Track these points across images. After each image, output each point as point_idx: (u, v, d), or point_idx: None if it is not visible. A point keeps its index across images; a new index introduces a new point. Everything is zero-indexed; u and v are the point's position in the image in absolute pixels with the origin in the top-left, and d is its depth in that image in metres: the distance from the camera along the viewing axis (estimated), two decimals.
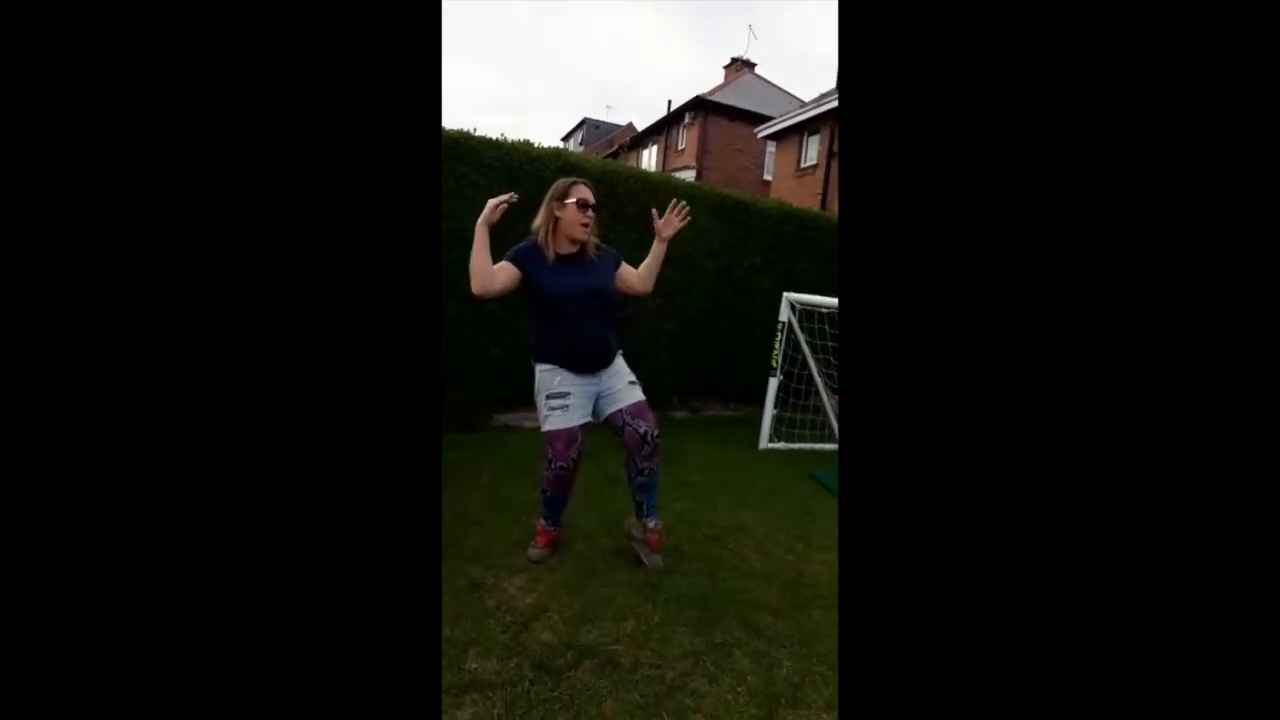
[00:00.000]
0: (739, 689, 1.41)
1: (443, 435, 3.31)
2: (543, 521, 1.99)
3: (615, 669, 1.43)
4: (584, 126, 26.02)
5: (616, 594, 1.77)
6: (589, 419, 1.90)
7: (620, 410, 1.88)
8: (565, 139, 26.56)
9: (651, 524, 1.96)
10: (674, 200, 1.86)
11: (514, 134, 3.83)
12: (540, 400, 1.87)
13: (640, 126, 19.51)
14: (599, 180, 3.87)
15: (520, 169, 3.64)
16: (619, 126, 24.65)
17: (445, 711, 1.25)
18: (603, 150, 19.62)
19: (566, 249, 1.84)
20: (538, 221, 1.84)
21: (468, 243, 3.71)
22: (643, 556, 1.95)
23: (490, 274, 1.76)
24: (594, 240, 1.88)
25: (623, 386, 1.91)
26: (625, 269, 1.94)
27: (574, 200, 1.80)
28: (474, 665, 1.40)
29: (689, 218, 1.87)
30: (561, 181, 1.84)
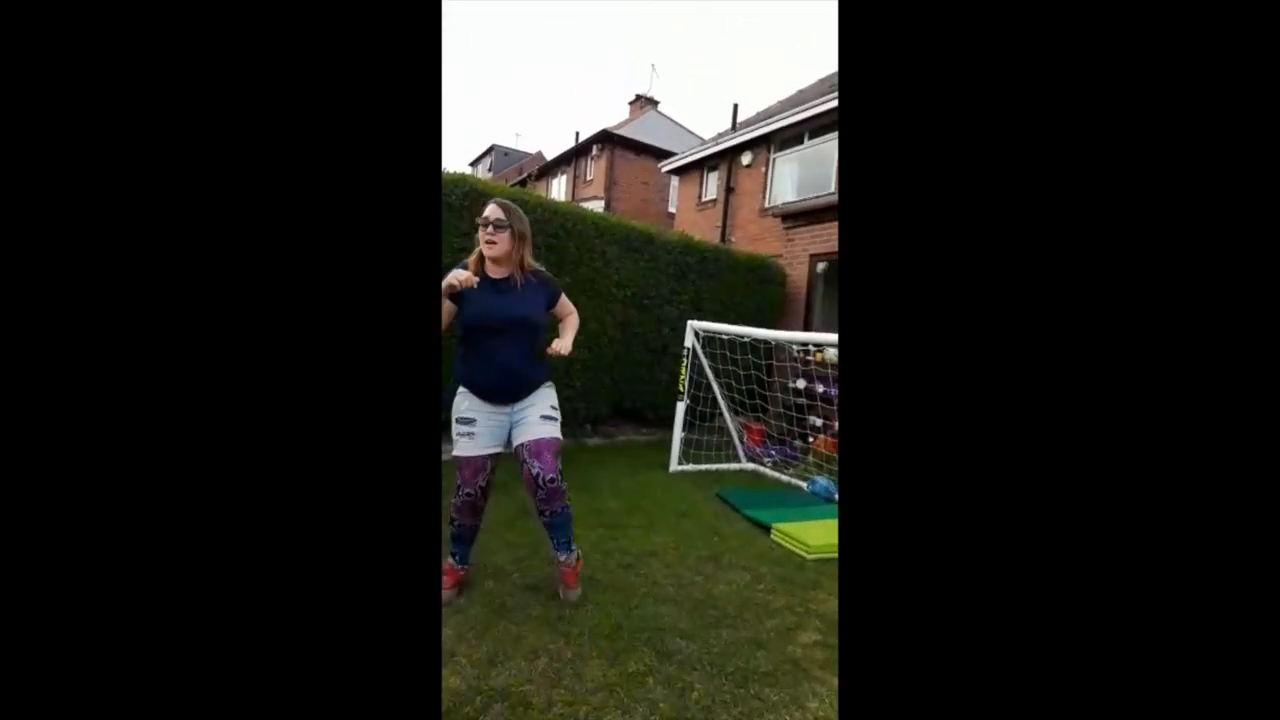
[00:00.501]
0: (652, 716, 1.42)
1: None
2: (450, 560, 1.91)
3: (527, 710, 1.40)
4: (493, 153, 25.76)
5: (528, 631, 1.73)
6: (498, 448, 1.85)
7: (523, 445, 1.81)
8: (474, 164, 26.11)
9: (562, 557, 1.92)
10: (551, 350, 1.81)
11: None
12: (452, 424, 1.82)
13: (549, 156, 19.65)
14: None
15: None
16: (528, 154, 24.65)
17: None
18: (512, 178, 19.51)
19: (494, 272, 1.80)
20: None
21: None
22: (559, 590, 1.92)
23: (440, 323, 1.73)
24: (528, 264, 1.83)
25: (534, 420, 1.83)
26: (561, 304, 1.92)
27: (480, 219, 1.79)
28: None
29: (561, 352, 1.82)
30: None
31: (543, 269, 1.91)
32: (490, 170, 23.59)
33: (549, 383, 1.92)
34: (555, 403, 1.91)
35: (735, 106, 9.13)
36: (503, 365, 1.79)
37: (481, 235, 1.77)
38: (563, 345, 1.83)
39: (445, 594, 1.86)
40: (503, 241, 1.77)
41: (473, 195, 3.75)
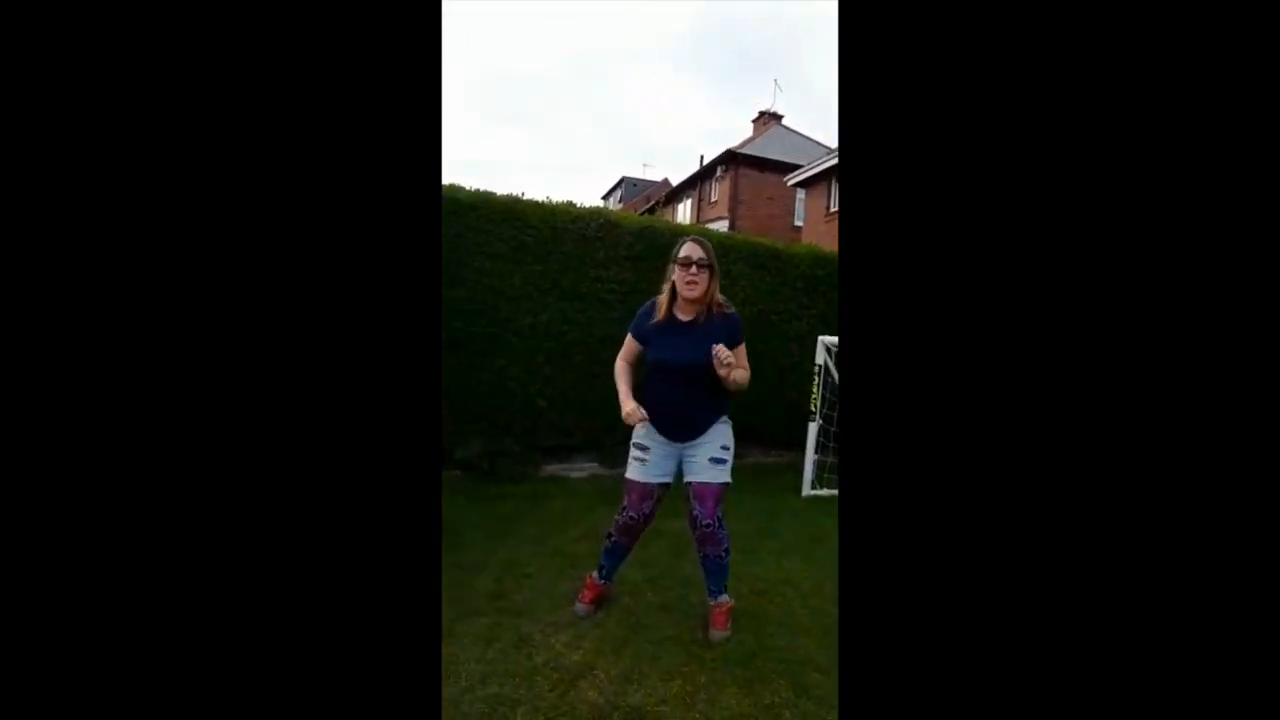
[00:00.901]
0: None
1: (494, 485, 3.40)
2: (594, 575, 1.99)
3: None
4: (622, 184, 27.06)
5: (662, 651, 1.76)
6: (667, 479, 1.87)
7: (691, 483, 1.83)
8: (605, 197, 27.63)
9: (712, 602, 1.89)
10: (717, 360, 1.70)
11: (556, 195, 4.09)
12: (631, 445, 1.91)
13: (675, 181, 20.15)
14: (639, 236, 4.06)
15: (564, 228, 3.85)
16: (655, 183, 25.52)
17: None
18: (640, 206, 20.30)
19: (686, 312, 1.81)
20: (666, 283, 1.85)
21: (516, 299, 3.84)
22: (707, 629, 1.87)
23: (628, 373, 1.91)
24: (718, 300, 1.81)
25: (703, 461, 1.82)
26: (737, 353, 1.77)
27: (680, 258, 1.78)
28: None
29: (726, 363, 1.69)
30: (679, 242, 1.85)
31: (730, 306, 1.86)
32: (620, 201, 24.75)
33: (725, 419, 1.91)
34: (728, 442, 1.88)
35: None
36: (678, 405, 1.82)
37: (682, 275, 1.76)
38: (732, 369, 1.70)
39: (584, 608, 1.95)
40: (703, 282, 1.76)
41: (607, 226, 3.97)
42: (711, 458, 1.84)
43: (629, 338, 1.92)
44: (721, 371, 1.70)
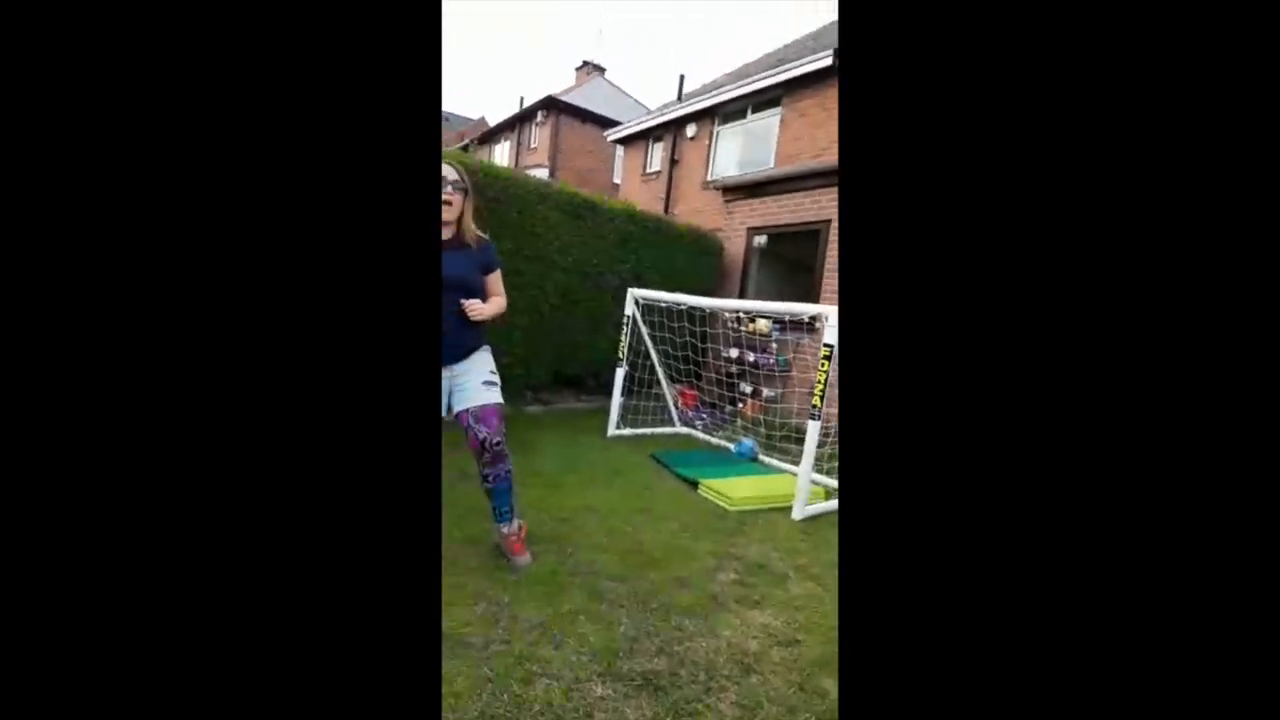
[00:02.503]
0: (582, 650, 1.55)
1: None
2: None
3: (467, 649, 1.50)
4: None
5: (468, 580, 1.82)
6: (442, 415, 1.88)
7: (466, 410, 1.86)
8: None
9: (505, 529, 1.96)
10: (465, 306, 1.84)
11: None
12: None
13: (492, 122, 18.92)
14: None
15: None
16: (471, 120, 23.67)
17: None
18: (453, 143, 18.71)
19: (445, 234, 1.84)
20: None
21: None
22: (509, 561, 1.95)
23: None
24: (473, 230, 1.87)
25: (474, 385, 1.88)
26: (494, 279, 1.93)
27: None
28: None
29: (477, 310, 1.84)
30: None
31: (486, 237, 1.94)
32: None
33: (486, 347, 1.95)
34: (494, 367, 1.95)
35: (681, 78, 9.14)
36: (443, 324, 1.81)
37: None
38: (477, 308, 1.83)
39: None
40: (456, 202, 1.82)
41: None
42: (484, 381, 1.91)
43: None
44: (477, 315, 1.82)
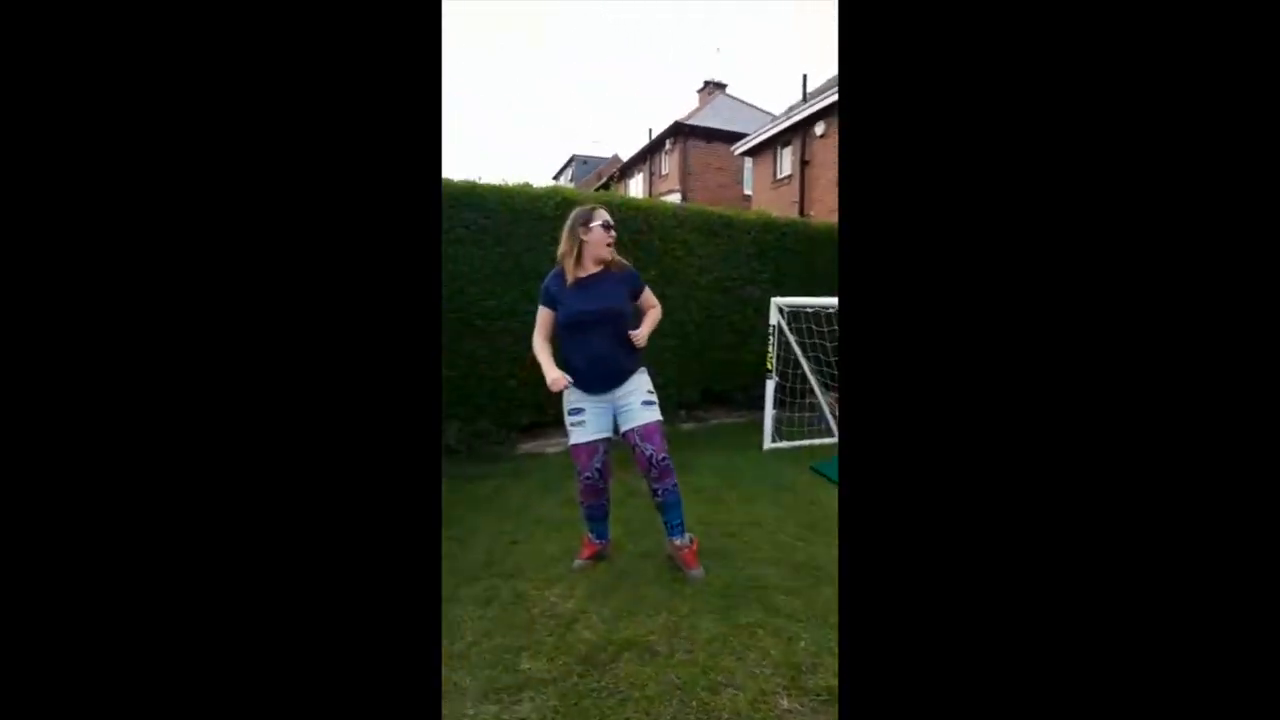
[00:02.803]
0: (764, 663, 1.57)
1: (473, 466, 3.51)
2: (588, 535, 2.17)
3: (653, 657, 1.60)
4: (573, 163, 26.66)
5: (647, 592, 1.94)
6: (608, 434, 2.05)
7: (632, 429, 2.01)
8: (557, 176, 27.15)
9: (678, 541, 2.07)
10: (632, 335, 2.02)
11: (511, 177, 4.13)
12: (565, 414, 2.07)
13: (625, 157, 20.01)
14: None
15: (523, 209, 3.90)
16: (605, 159, 25.23)
17: (506, 708, 1.42)
18: (592, 183, 20.11)
19: (590, 270, 2.02)
20: (562, 249, 2.02)
21: (480, 281, 3.89)
22: (683, 572, 2.05)
23: (547, 347, 2.06)
24: (617, 260, 2.05)
25: (636, 405, 2.02)
26: (645, 296, 2.12)
27: (599, 223, 2.00)
28: (527, 666, 1.57)
29: (642, 336, 2.04)
30: (580, 210, 2.04)
31: (627, 263, 2.11)
32: (573, 180, 24.39)
33: (643, 369, 2.09)
34: (651, 387, 2.09)
35: (805, 77, 8.90)
36: (597, 353, 1.99)
37: (604, 238, 2.00)
38: (638, 335, 2.01)
39: (582, 563, 2.13)
40: (614, 242, 2.04)
41: (564, 204, 4.05)
42: (643, 401, 2.03)
43: (541, 310, 2.06)
44: (640, 342, 2.00)
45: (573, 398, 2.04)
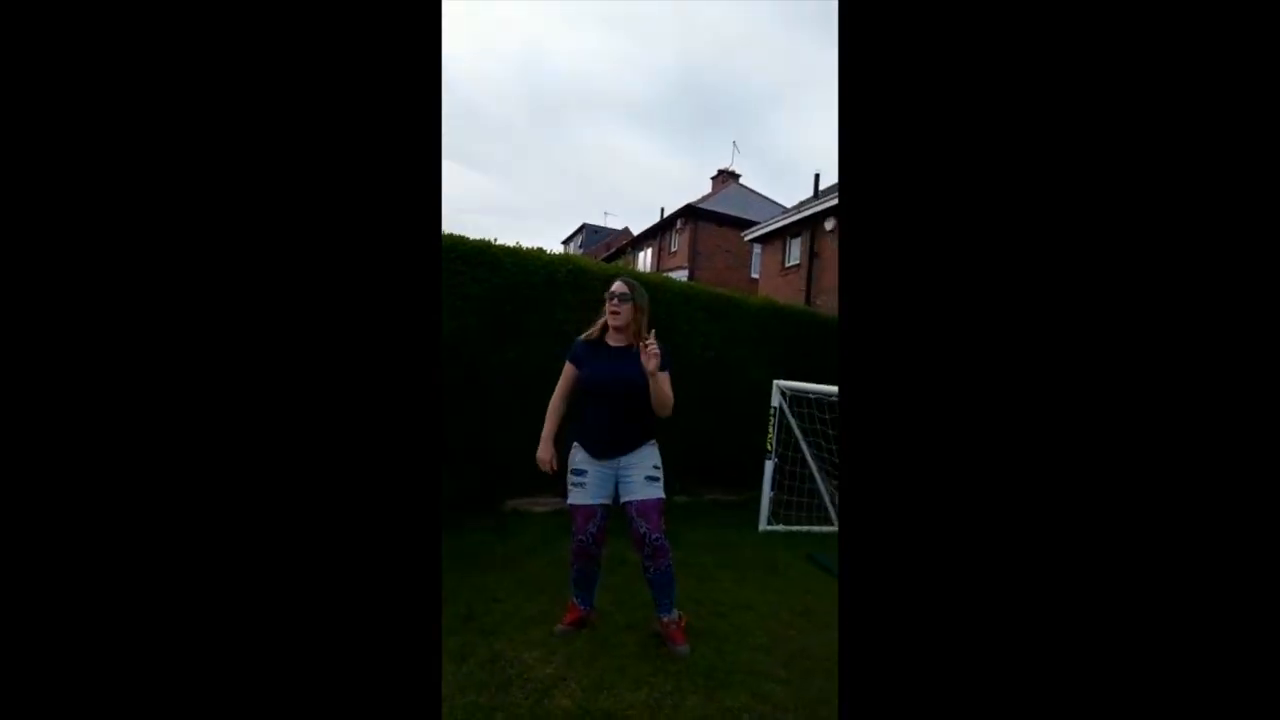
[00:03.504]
0: None
1: (459, 519, 3.43)
2: (574, 599, 2.10)
3: None
4: (583, 231, 27.75)
5: (629, 664, 1.86)
6: (607, 501, 2.03)
7: (631, 503, 1.99)
8: (566, 242, 28.17)
9: (665, 618, 2.02)
10: (642, 343, 1.91)
11: (517, 238, 4.30)
12: (569, 473, 2.06)
13: (635, 231, 20.87)
14: (605, 282, 4.27)
15: (534, 272, 4.04)
16: (616, 231, 26.29)
17: None
18: (601, 253, 20.85)
19: (614, 340, 2.06)
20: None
21: (483, 339, 3.94)
22: (669, 647, 1.98)
23: (558, 411, 2.10)
24: (647, 340, 1.91)
25: (639, 480, 1.99)
26: (662, 378, 1.95)
27: (607, 294, 2.07)
28: None
29: (654, 353, 1.87)
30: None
31: (660, 343, 2.05)
32: (581, 247, 25.29)
33: (652, 442, 2.09)
34: (658, 462, 2.05)
35: (817, 176, 9.45)
36: (607, 420, 2.01)
37: (608, 306, 2.04)
38: (653, 355, 1.84)
39: (564, 629, 2.05)
40: (625, 312, 2.03)
41: (575, 271, 4.20)
42: (647, 476, 2.01)
43: (566, 366, 2.10)
44: (648, 364, 1.85)
45: (578, 458, 2.04)
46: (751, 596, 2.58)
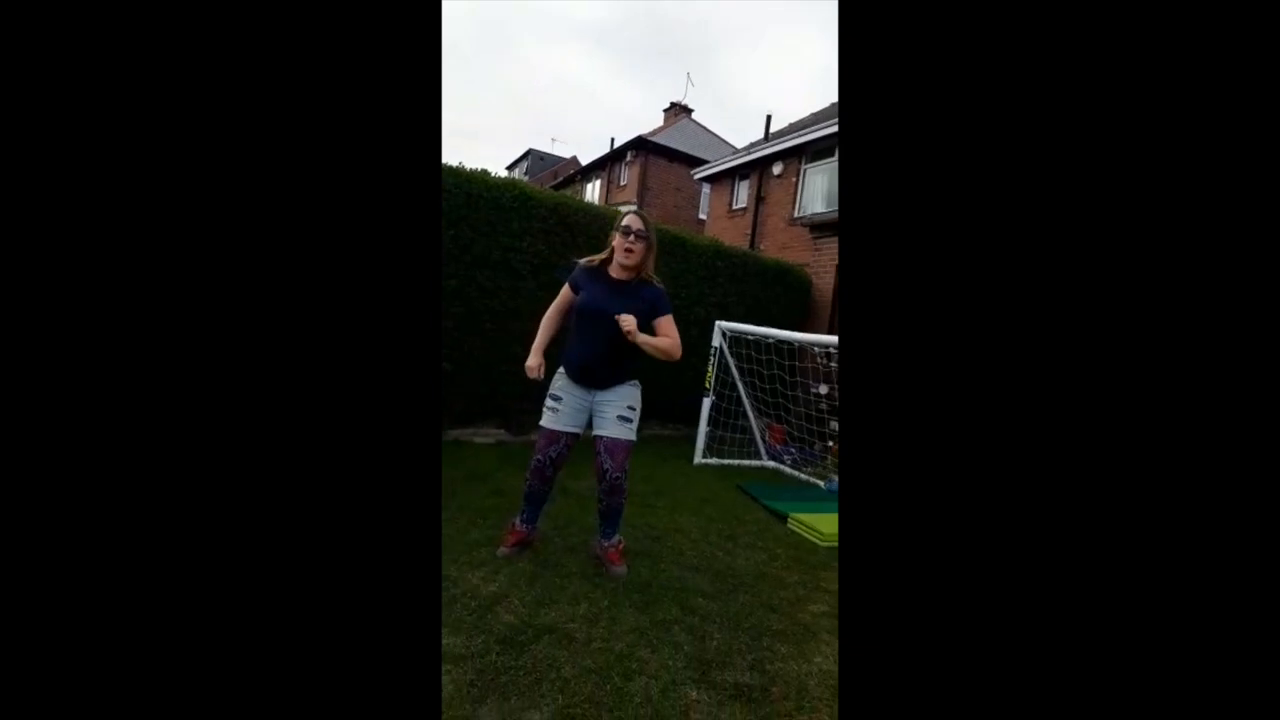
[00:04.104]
0: (677, 655, 1.64)
1: None
2: (517, 520, 2.16)
3: (571, 643, 1.63)
4: (529, 157, 26.38)
5: (569, 583, 1.97)
6: (577, 430, 2.06)
7: (600, 438, 2.03)
8: (511, 168, 26.74)
9: (606, 543, 2.13)
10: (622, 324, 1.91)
11: (466, 160, 4.05)
12: (546, 396, 2.08)
13: (584, 160, 20.06)
14: (553, 210, 4.16)
15: (479, 196, 3.85)
16: (563, 159, 25.17)
17: None
18: (548, 181, 19.99)
19: (619, 274, 2.03)
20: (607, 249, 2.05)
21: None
22: (606, 569, 2.09)
23: (551, 326, 2.08)
24: (651, 277, 2.00)
25: (611, 417, 2.02)
26: (661, 322, 2.01)
27: (621, 226, 2.00)
28: (446, 641, 1.56)
29: (631, 333, 1.90)
30: (621, 212, 2.07)
31: (661, 285, 2.06)
32: (527, 174, 24.12)
33: (635, 381, 2.09)
34: (635, 404, 2.07)
35: (769, 118, 9.32)
36: (591, 351, 2.00)
37: (621, 243, 1.98)
38: (631, 328, 1.88)
39: (506, 550, 2.11)
40: (639, 251, 1.98)
41: (522, 198, 4.04)
42: (619, 415, 2.05)
43: (564, 288, 2.10)
44: (631, 337, 1.90)
45: (558, 384, 2.06)
46: (684, 522, 2.76)
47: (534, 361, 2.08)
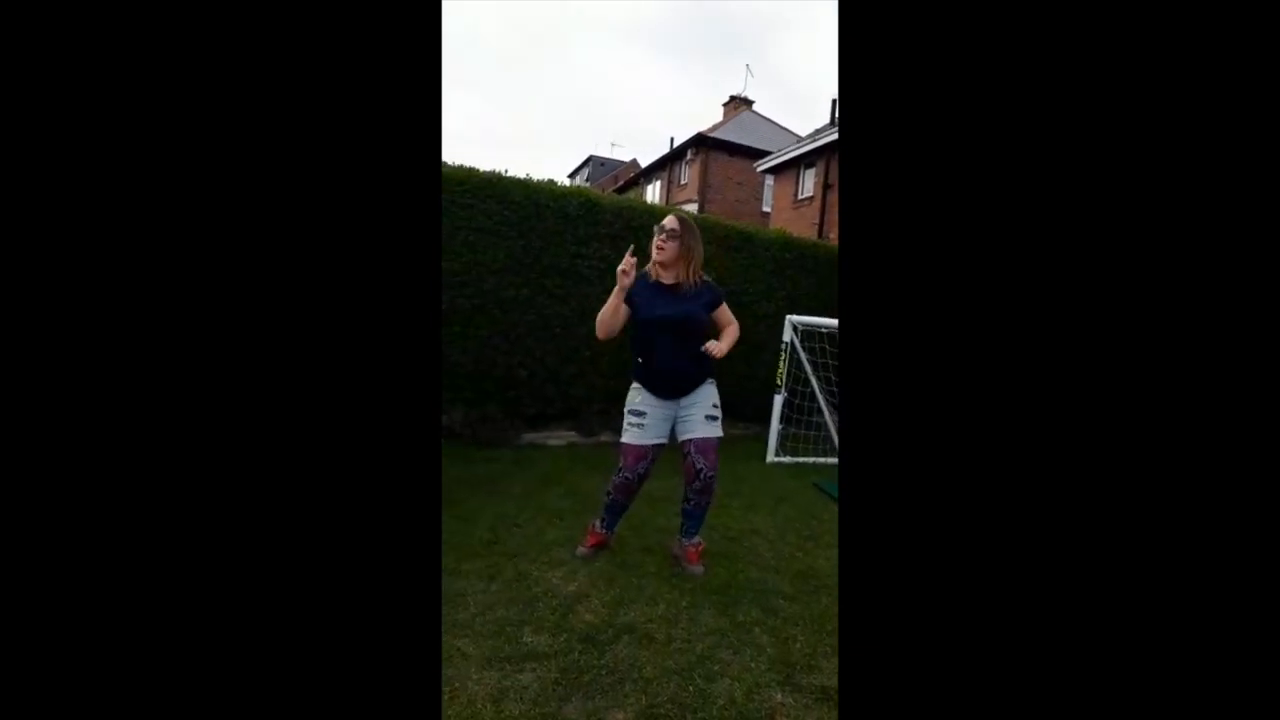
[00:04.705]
0: (760, 658, 1.61)
1: (476, 451, 3.55)
2: (597, 523, 2.20)
3: (651, 642, 1.64)
4: (590, 164, 26.88)
5: (647, 583, 1.98)
6: (663, 440, 2.07)
7: (691, 440, 2.03)
8: (572, 175, 27.34)
9: (687, 542, 2.13)
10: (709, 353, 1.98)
11: (524, 170, 4.20)
12: (626, 412, 2.09)
13: (644, 163, 20.17)
14: (617, 215, 4.21)
15: (546, 205, 3.97)
16: (623, 163, 25.45)
17: (508, 676, 1.46)
18: (609, 186, 20.28)
19: (663, 277, 2.03)
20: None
21: (500, 272, 3.97)
22: (683, 567, 2.11)
23: (615, 322, 2.00)
24: (697, 274, 2.03)
25: (699, 418, 2.03)
26: (721, 311, 2.09)
27: (656, 227, 2.04)
28: (529, 639, 1.61)
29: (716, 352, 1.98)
30: (679, 212, 2.10)
31: (710, 279, 2.10)
32: (588, 180, 24.57)
33: (711, 381, 2.08)
34: (717, 400, 2.08)
35: (834, 102, 8.99)
36: (666, 361, 1.99)
37: (656, 241, 2.02)
38: (717, 347, 1.99)
39: (585, 551, 2.16)
40: (669, 249, 2.00)
41: (587, 205, 4.12)
42: (707, 415, 2.04)
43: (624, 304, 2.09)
44: (718, 355, 1.97)
45: (637, 399, 2.05)
46: (760, 523, 2.70)
47: (625, 265, 1.94)
